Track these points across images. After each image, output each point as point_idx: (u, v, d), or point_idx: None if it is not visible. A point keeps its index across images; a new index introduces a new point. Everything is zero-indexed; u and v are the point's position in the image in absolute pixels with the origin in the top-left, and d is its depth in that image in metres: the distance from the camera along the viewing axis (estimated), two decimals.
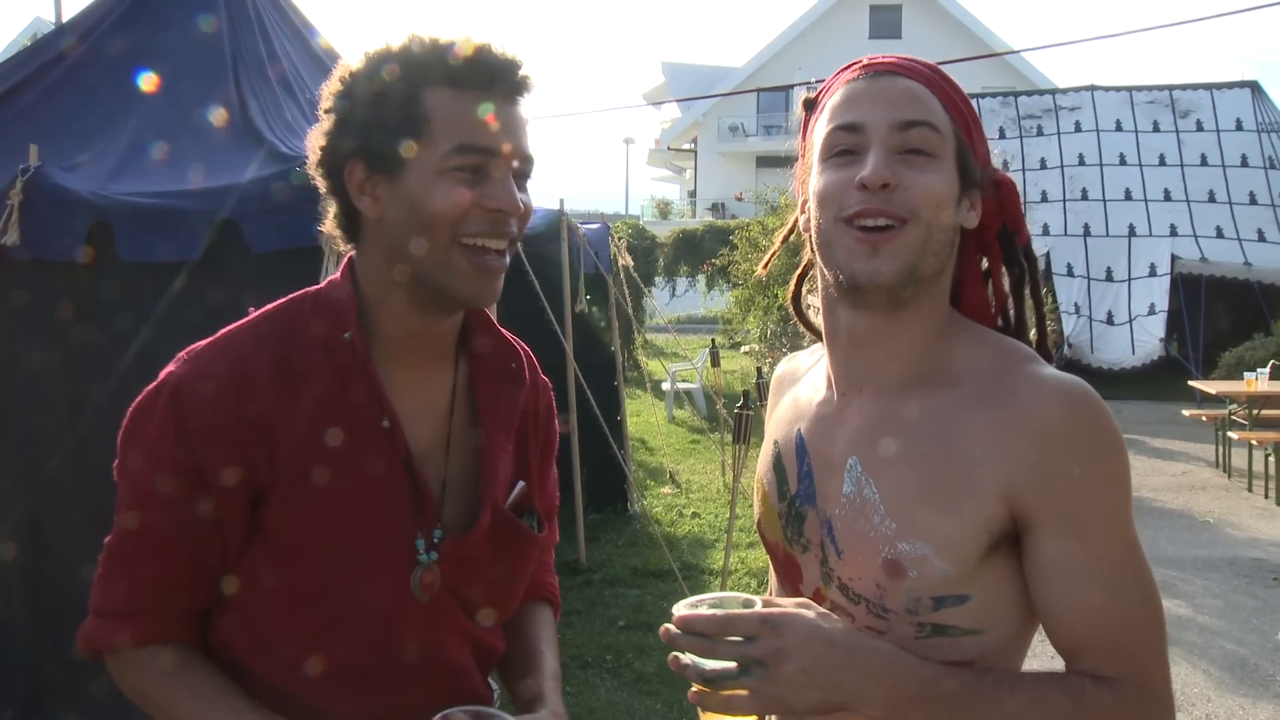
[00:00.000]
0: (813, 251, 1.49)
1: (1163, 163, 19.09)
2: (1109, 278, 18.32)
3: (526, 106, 1.56)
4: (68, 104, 5.32)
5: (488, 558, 1.62)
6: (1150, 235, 18.30)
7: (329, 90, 1.56)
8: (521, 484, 1.70)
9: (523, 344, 1.79)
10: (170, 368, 1.54)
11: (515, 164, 1.53)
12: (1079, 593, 1.31)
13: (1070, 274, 18.34)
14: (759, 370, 10.06)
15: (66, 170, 4.63)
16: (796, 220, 1.56)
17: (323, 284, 1.62)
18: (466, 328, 1.69)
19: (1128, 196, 18.84)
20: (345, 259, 1.63)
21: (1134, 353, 17.70)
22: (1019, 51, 18.11)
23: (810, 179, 1.46)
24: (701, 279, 25.25)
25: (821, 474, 1.47)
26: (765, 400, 1.73)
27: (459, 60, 1.49)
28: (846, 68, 1.49)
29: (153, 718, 1.56)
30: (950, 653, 1.35)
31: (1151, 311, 17.78)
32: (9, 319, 4.50)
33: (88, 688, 4.28)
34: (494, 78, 1.51)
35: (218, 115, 5.14)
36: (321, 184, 1.58)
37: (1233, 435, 10.99)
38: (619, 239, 9.64)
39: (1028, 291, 1.54)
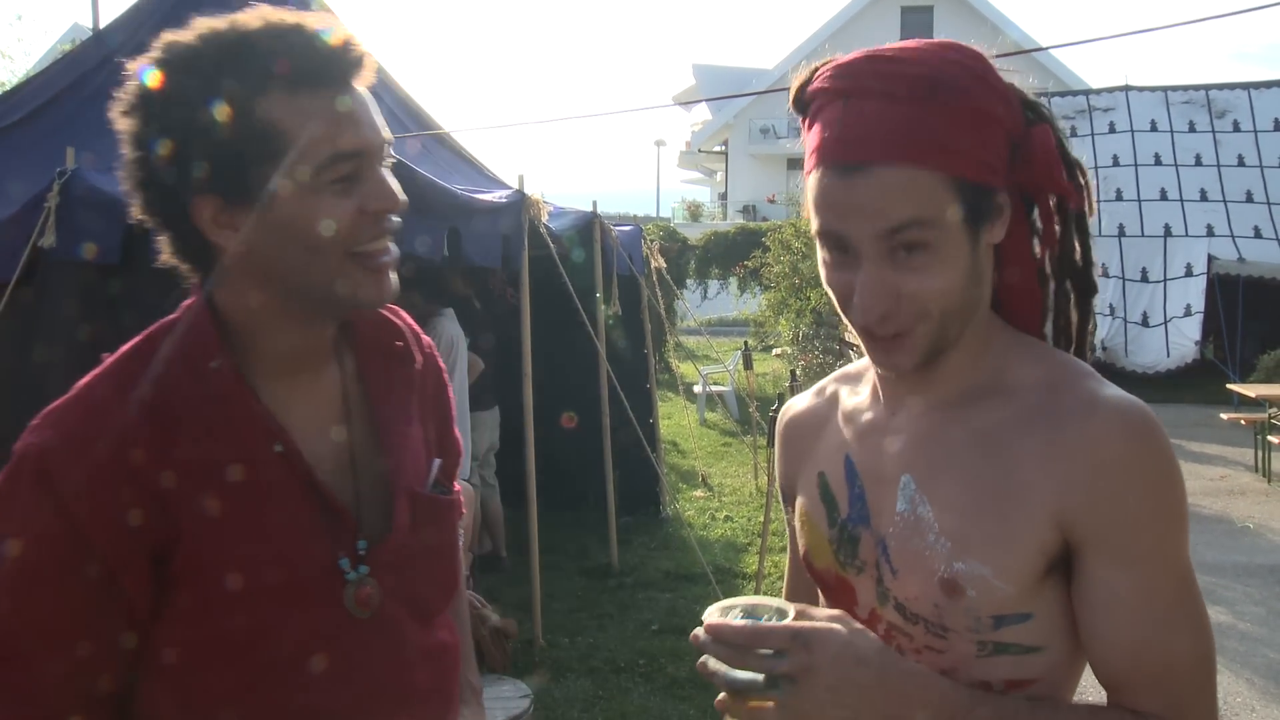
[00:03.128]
0: None
1: (1199, 163, 18.88)
2: (1144, 279, 18.14)
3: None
4: (106, 111, 5.35)
5: (419, 548, 1.53)
6: (1186, 235, 18.11)
7: (127, 121, 1.36)
8: (439, 461, 1.61)
9: (404, 315, 1.65)
10: (28, 438, 1.33)
11: (384, 155, 1.40)
12: (1125, 626, 1.26)
13: (1105, 275, 18.17)
14: (792, 373, 10.01)
15: (103, 173, 4.65)
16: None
17: (177, 313, 1.45)
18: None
19: (1163, 197, 18.64)
20: (196, 287, 1.45)
21: (1169, 355, 17.50)
22: (1050, 49, 17.89)
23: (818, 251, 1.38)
24: (733, 281, 25.20)
25: (874, 492, 1.43)
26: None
27: (287, 57, 1.31)
28: (827, 93, 1.32)
29: None
30: (1012, 671, 1.31)
31: (1187, 313, 17.59)
32: (46, 321, 4.52)
33: None
34: (333, 67, 1.35)
35: None
36: (153, 222, 1.41)
37: (1273, 439, 10.85)
38: (651, 241, 9.63)
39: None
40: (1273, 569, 8.03)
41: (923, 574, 1.34)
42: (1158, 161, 19.07)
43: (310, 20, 1.36)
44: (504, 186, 6.80)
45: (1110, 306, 17.87)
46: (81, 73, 5.61)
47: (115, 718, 1.38)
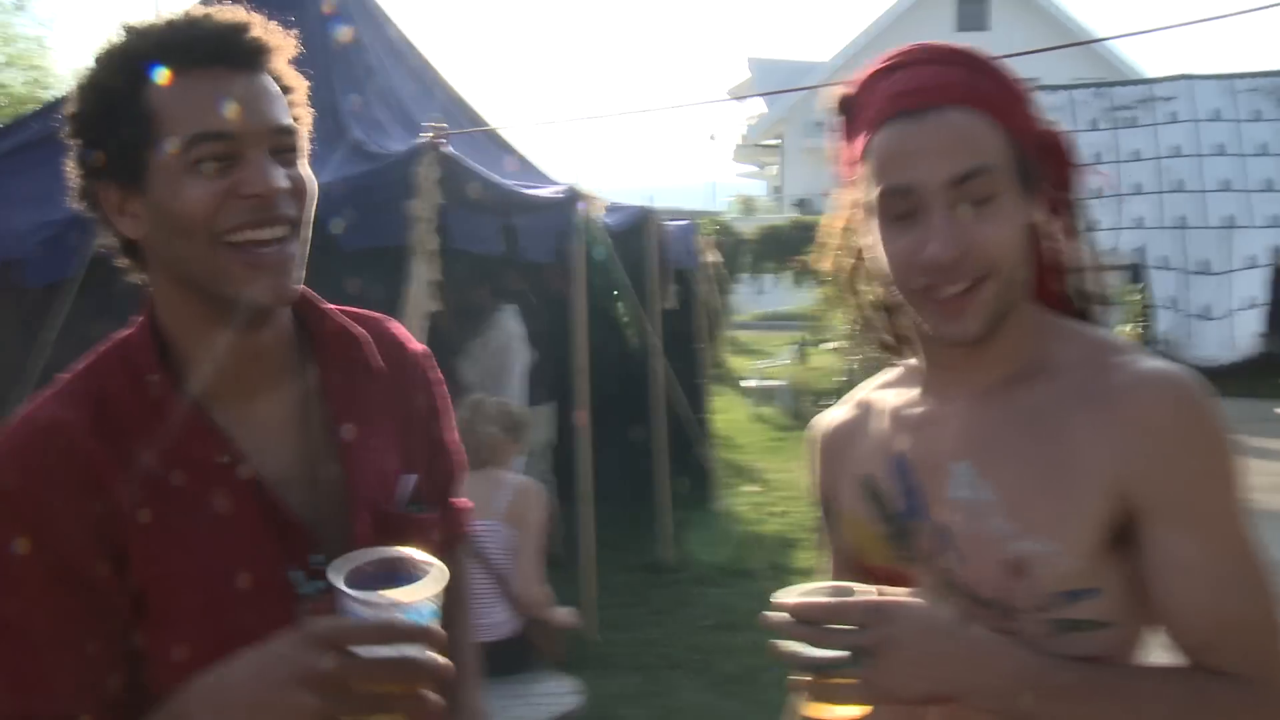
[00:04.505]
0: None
1: (1265, 152, 18.50)
2: (1206, 271, 17.84)
3: (275, 74, 1.40)
4: None
5: None
6: (1251, 227, 17.79)
7: (66, 111, 1.39)
8: (415, 477, 1.54)
9: (370, 321, 1.60)
10: None
11: (271, 140, 1.35)
12: (1196, 588, 1.27)
13: (1166, 267, 17.89)
14: (849, 367, 9.95)
15: None
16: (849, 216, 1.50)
17: (129, 327, 1.46)
18: (304, 329, 1.52)
19: (1226, 188, 18.31)
20: (144, 298, 1.46)
21: (1231, 349, 17.22)
22: (1108, 39, 17.73)
23: (872, 235, 1.40)
24: (787, 275, 25.09)
25: (931, 484, 1.43)
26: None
27: (173, 41, 1.32)
28: (883, 72, 1.39)
29: None
30: (1085, 647, 1.31)
31: (1251, 306, 17.29)
32: (106, 320, 4.60)
33: None
34: (216, 51, 1.33)
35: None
36: (93, 215, 1.43)
37: None
38: (706, 236, 9.61)
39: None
40: None
41: (988, 557, 1.35)
42: (1221, 151, 18.72)
43: (216, 11, 1.36)
44: (557, 183, 6.81)
45: (1171, 299, 17.60)
46: None
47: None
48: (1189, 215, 18.22)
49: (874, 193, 1.36)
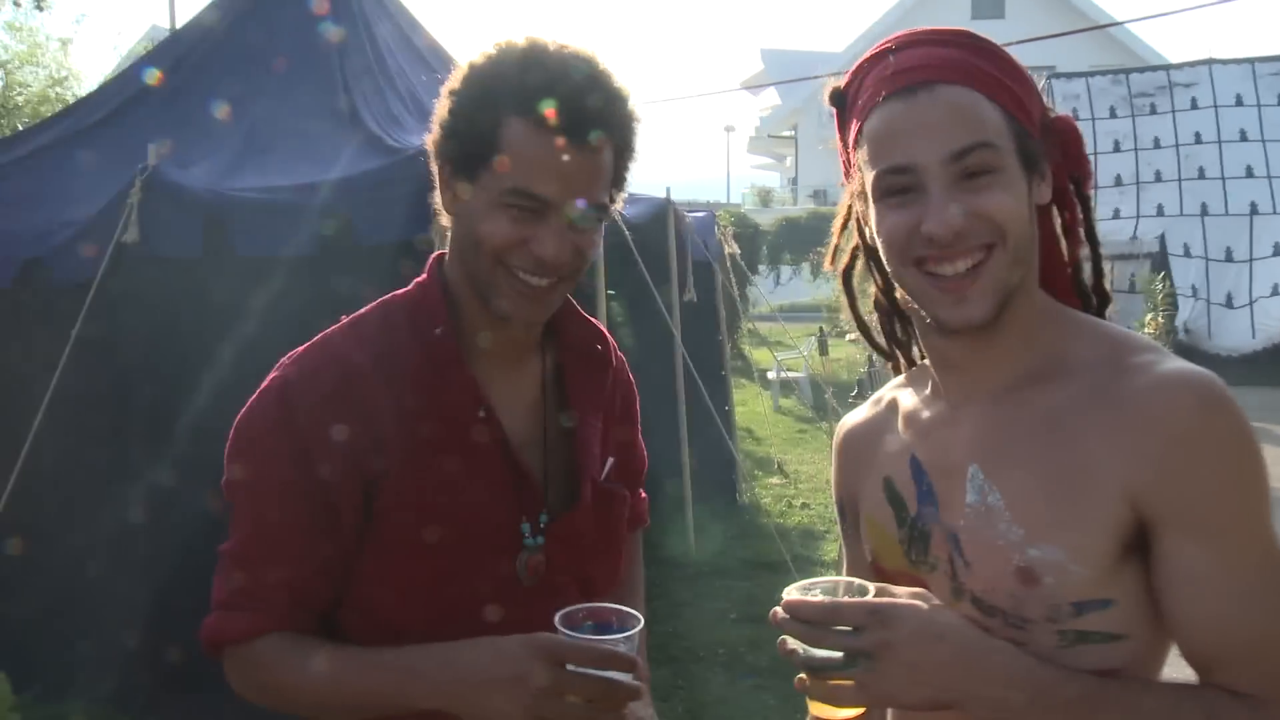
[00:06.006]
0: (868, 235, 1.42)
1: None
2: (1229, 258, 17.72)
3: (617, 150, 1.56)
4: (185, 109, 5.45)
5: (592, 533, 1.67)
6: (1274, 213, 17.65)
7: (448, 84, 1.58)
8: (612, 460, 1.74)
9: (601, 325, 1.82)
10: (273, 374, 1.58)
11: (570, 214, 1.52)
12: (1210, 602, 1.22)
13: (1188, 255, 17.78)
14: (870, 359, 9.92)
15: (183, 169, 4.72)
16: (850, 208, 1.48)
17: (410, 286, 1.66)
18: (551, 318, 1.69)
19: (1249, 174, 18.18)
20: (432, 258, 1.67)
21: (1254, 336, 17.09)
22: (1124, 23, 17.63)
23: (869, 214, 1.36)
24: (805, 266, 25.06)
25: (943, 487, 1.39)
26: (872, 393, 1.65)
27: (544, 96, 1.48)
28: (873, 59, 1.37)
29: (279, 706, 1.56)
30: (1096, 662, 1.26)
31: (1274, 293, 17.17)
32: (134, 319, 4.61)
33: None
34: (574, 124, 1.48)
35: (326, 113, 5.20)
36: (433, 172, 1.62)
37: None
38: (725, 226, 9.59)
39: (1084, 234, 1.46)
40: None
41: (997, 564, 1.31)
42: (1243, 137, 18.58)
43: (589, 64, 1.53)
44: None
45: (1193, 287, 17.49)
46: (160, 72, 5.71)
47: (319, 631, 1.56)
48: (1210, 202, 18.11)
49: (871, 176, 1.32)
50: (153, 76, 5.55)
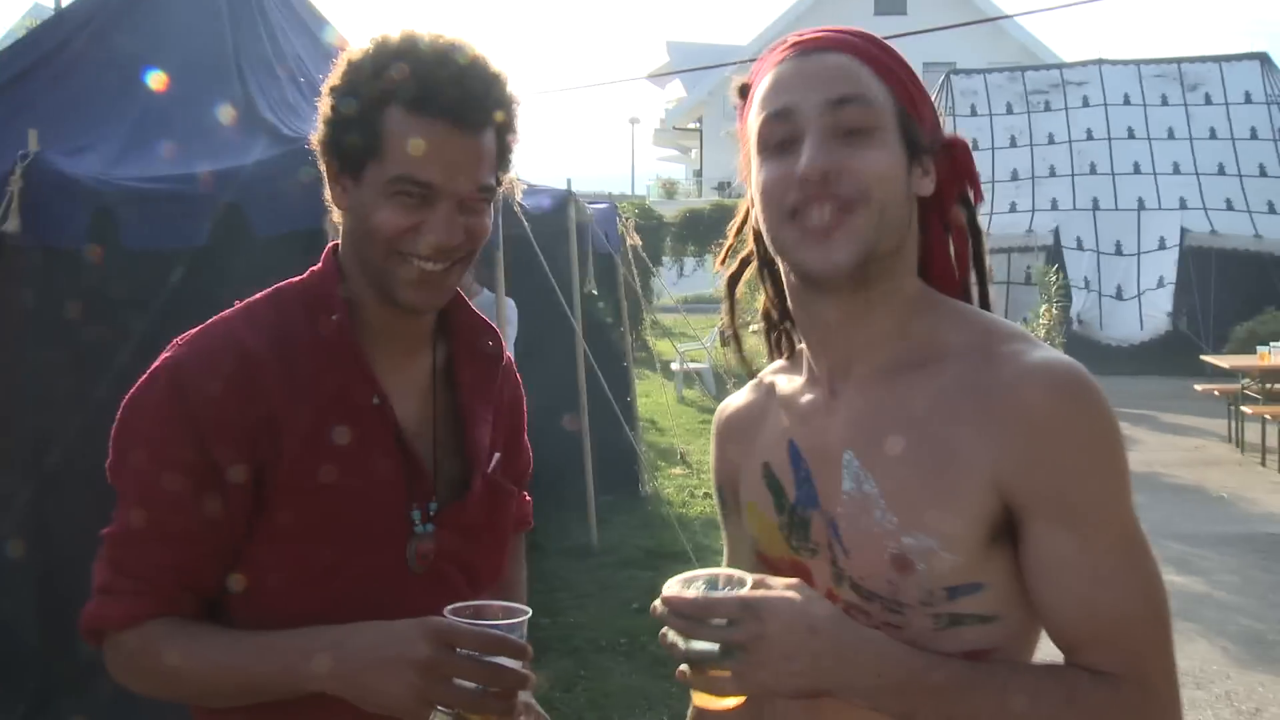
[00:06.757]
0: (763, 246, 1.46)
1: (1171, 136, 18.99)
2: (1118, 252, 18.25)
3: (499, 131, 1.58)
4: (70, 93, 5.27)
5: (480, 523, 1.69)
6: (1160, 209, 18.21)
7: (328, 82, 1.60)
8: (499, 455, 1.76)
9: (491, 322, 1.84)
10: (164, 355, 1.57)
11: (466, 197, 1.55)
12: (1073, 586, 1.26)
13: (1080, 248, 18.26)
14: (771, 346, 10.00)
15: (68, 156, 4.58)
16: (748, 210, 1.51)
17: (305, 274, 1.67)
18: (443, 311, 1.72)
19: (1136, 170, 18.75)
20: (328, 248, 1.68)
21: (1143, 328, 17.63)
22: (1016, 16, 18.03)
23: (751, 173, 1.41)
24: (709, 258, 25.16)
25: (820, 473, 1.42)
26: None
27: (422, 82, 1.50)
28: (775, 48, 1.43)
29: (162, 693, 1.55)
30: (971, 642, 1.31)
31: (1160, 285, 17.71)
32: (13, 311, 4.46)
33: (97, 686, 4.27)
34: (454, 108, 1.51)
35: (220, 102, 5.09)
36: (320, 166, 1.63)
37: (1246, 410, 10.94)
38: (627, 219, 9.59)
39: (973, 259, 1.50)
40: (1247, 538, 8.11)
41: (873, 551, 1.34)
42: (1131, 135, 19.15)
43: (464, 51, 1.54)
44: None
45: (1085, 279, 17.97)
46: (42, 53, 5.51)
47: (205, 617, 1.55)
48: (1101, 197, 18.63)
49: (755, 128, 1.38)
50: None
